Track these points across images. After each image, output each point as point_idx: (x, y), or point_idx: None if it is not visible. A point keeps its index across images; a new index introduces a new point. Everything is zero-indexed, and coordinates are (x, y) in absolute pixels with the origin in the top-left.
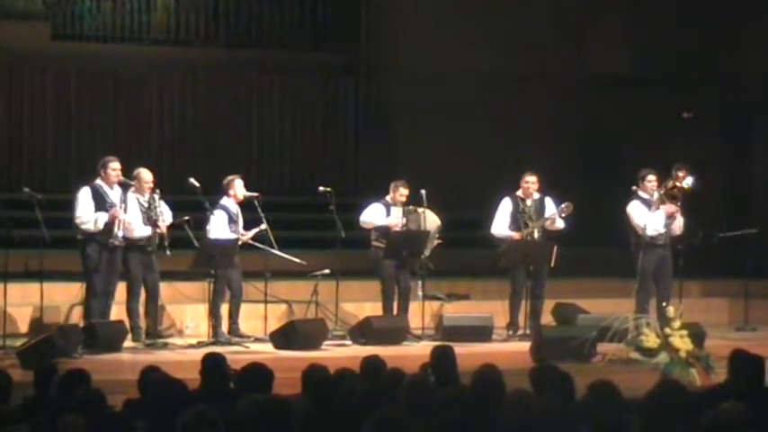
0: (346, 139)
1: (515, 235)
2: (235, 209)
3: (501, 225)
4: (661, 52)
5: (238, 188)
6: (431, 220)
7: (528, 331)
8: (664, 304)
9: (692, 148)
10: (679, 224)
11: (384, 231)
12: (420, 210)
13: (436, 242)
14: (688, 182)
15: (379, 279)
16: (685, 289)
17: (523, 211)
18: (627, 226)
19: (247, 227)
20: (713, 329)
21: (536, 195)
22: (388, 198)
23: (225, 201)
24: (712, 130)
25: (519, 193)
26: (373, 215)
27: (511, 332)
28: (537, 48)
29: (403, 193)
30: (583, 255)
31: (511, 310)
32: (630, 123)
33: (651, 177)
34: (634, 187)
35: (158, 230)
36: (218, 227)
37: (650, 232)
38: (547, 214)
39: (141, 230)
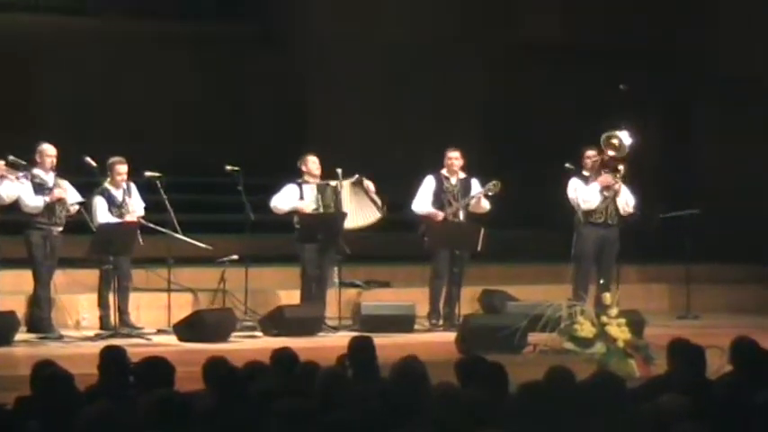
0: (257, 115)
1: (439, 214)
2: (117, 192)
3: (423, 202)
4: (595, 22)
5: (116, 171)
6: (363, 204)
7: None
8: (602, 281)
9: (629, 123)
10: (626, 201)
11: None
12: (333, 183)
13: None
14: (624, 139)
15: (299, 264)
16: (623, 274)
17: (447, 189)
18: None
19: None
20: (653, 317)
21: (462, 175)
22: (305, 177)
23: (106, 184)
24: (651, 103)
25: (443, 171)
26: (285, 199)
27: (434, 321)
28: (464, 16)
29: (313, 161)
30: (512, 238)
31: (431, 296)
32: (563, 96)
33: (590, 153)
34: (567, 164)
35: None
36: (102, 212)
37: (584, 206)
38: (473, 193)
39: (33, 201)
